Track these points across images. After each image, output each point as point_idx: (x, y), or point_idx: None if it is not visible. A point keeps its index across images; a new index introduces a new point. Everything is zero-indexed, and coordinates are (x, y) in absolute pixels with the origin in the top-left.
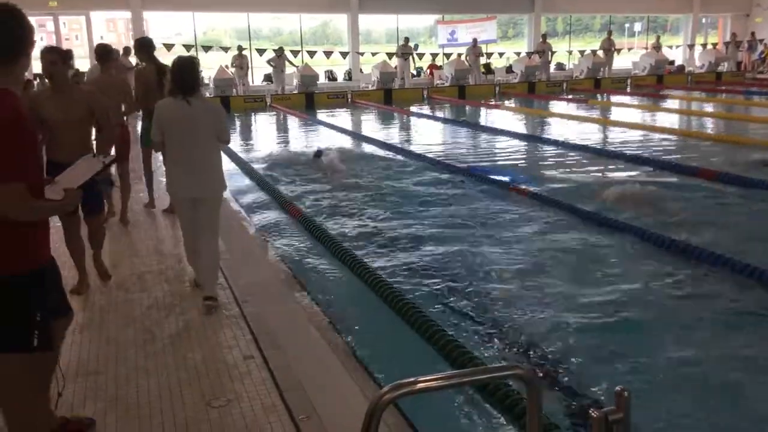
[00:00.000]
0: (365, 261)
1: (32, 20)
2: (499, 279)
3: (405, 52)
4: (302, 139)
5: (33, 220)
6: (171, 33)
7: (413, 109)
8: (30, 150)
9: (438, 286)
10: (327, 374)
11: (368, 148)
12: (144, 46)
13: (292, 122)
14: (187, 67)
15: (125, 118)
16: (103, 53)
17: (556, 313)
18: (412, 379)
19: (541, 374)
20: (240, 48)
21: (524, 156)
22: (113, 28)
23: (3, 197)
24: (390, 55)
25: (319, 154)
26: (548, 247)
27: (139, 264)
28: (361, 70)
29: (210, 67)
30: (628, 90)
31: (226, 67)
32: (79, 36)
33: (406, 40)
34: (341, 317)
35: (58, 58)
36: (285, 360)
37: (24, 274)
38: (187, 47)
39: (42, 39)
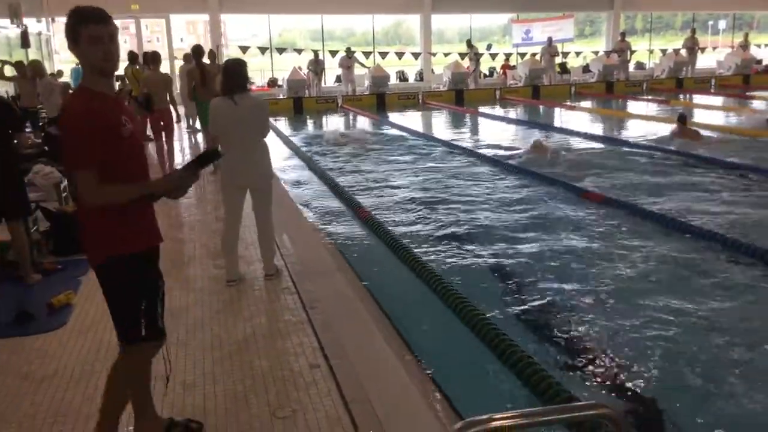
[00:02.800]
0: (442, 276)
1: (117, 23)
2: (580, 294)
3: (475, 53)
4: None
5: (111, 204)
6: (248, 34)
7: (485, 110)
8: (108, 140)
9: (516, 304)
10: (394, 388)
11: (438, 148)
12: (195, 52)
13: (362, 121)
14: (234, 69)
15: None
16: (154, 57)
17: (649, 336)
18: (486, 416)
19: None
20: (316, 53)
21: (599, 159)
22: (193, 31)
23: (78, 183)
24: (462, 55)
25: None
26: (634, 261)
27: (211, 266)
28: (432, 70)
29: (284, 68)
30: (713, 90)
31: (300, 68)
32: (160, 38)
33: (468, 42)
34: (411, 330)
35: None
36: (352, 370)
37: (133, 253)
38: (262, 49)
39: (126, 41)
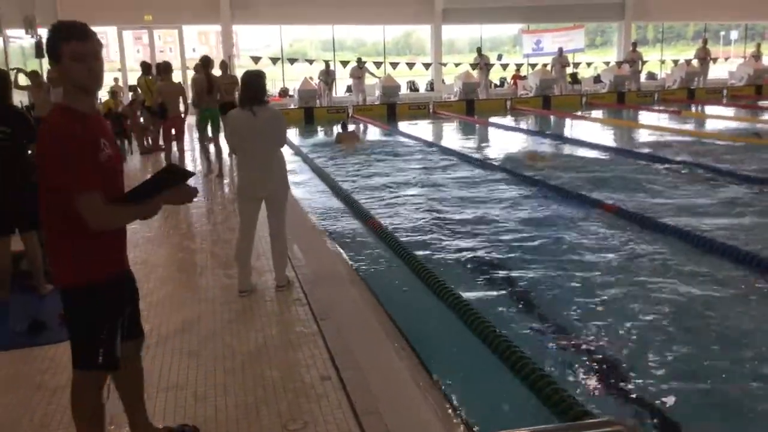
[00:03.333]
0: (453, 287)
1: (129, 33)
2: (592, 308)
3: (485, 62)
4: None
5: (112, 228)
6: (260, 45)
7: (495, 120)
8: (88, 162)
9: (530, 316)
10: (405, 401)
11: (449, 158)
12: (203, 62)
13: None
14: (253, 81)
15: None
16: (166, 67)
17: (667, 352)
18: None
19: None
20: (327, 63)
21: (611, 170)
22: (205, 41)
23: (81, 207)
24: (473, 66)
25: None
26: (647, 275)
27: (222, 275)
28: (443, 80)
29: (295, 78)
30: (725, 101)
31: (311, 78)
32: (173, 48)
33: (479, 50)
34: (423, 342)
35: None
36: (363, 382)
37: (100, 281)
38: (273, 60)
39: (139, 51)
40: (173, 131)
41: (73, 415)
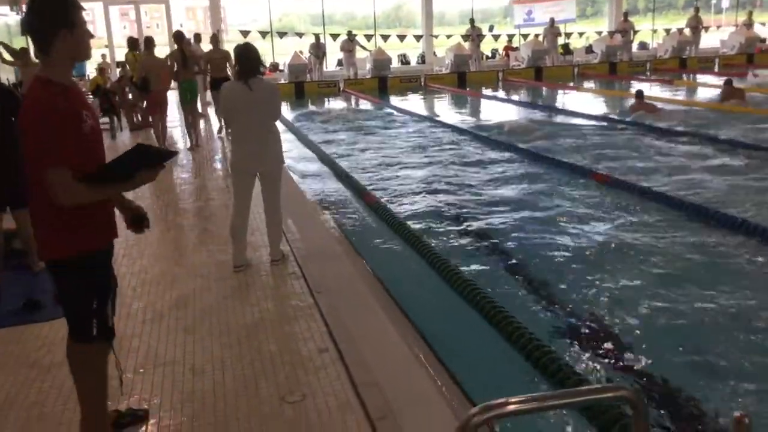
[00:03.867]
0: (450, 261)
1: (115, 9)
2: (590, 278)
3: (477, 34)
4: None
5: (84, 203)
6: (248, 19)
7: (487, 92)
8: (71, 136)
9: (525, 286)
10: (404, 372)
11: (441, 131)
12: (176, 37)
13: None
14: (246, 54)
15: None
16: (148, 41)
17: (661, 319)
18: (502, 400)
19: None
20: (317, 36)
21: (603, 140)
22: (192, 16)
23: (49, 182)
24: (465, 38)
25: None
26: (644, 243)
27: (216, 251)
28: (434, 53)
29: (285, 53)
30: (716, 70)
31: (301, 52)
32: (160, 24)
33: (471, 21)
34: (419, 314)
35: None
36: (360, 354)
37: (89, 251)
38: (263, 33)
39: (125, 27)
40: (158, 102)
41: (77, 388)
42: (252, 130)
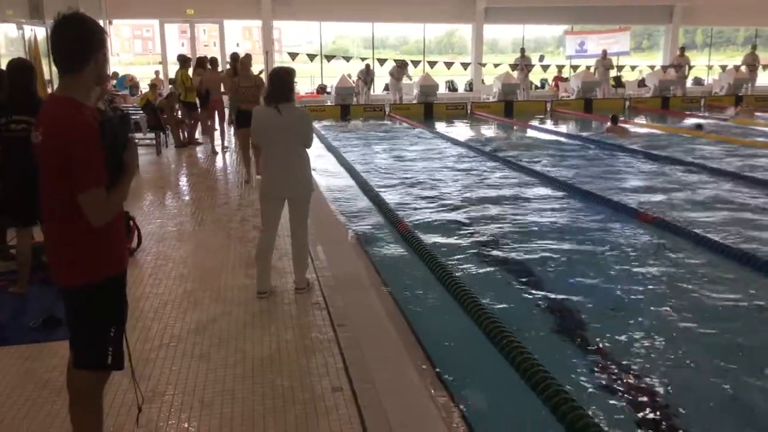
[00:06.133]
0: (478, 298)
1: (173, 27)
2: (625, 320)
3: (526, 63)
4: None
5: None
6: (302, 41)
7: (534, 122)
8: (102, 157)
9: (560, 333)
10: (418, 420)
11: (484, 160)
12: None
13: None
14: (279, 79)
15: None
16: (212, 61)
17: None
18: None
19: None
20: (367, 64)
21: (651, 177)
22: (249, 36)
23: (87, 204)
24: (513, 66)
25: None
26: (683, 285)
27: (242, 275)
28: (482, 80)
29: (335, 75)
30: None
31: (349, 76)
32: (216, 42)
33: (522, 51)
34: (443, 355)
35: None
36: (375, 397)
37: (112, 277)
38: (311, 56)
39: (183, 45)
40: (216, 110)
41: (76, 415)
42: (279, 156)
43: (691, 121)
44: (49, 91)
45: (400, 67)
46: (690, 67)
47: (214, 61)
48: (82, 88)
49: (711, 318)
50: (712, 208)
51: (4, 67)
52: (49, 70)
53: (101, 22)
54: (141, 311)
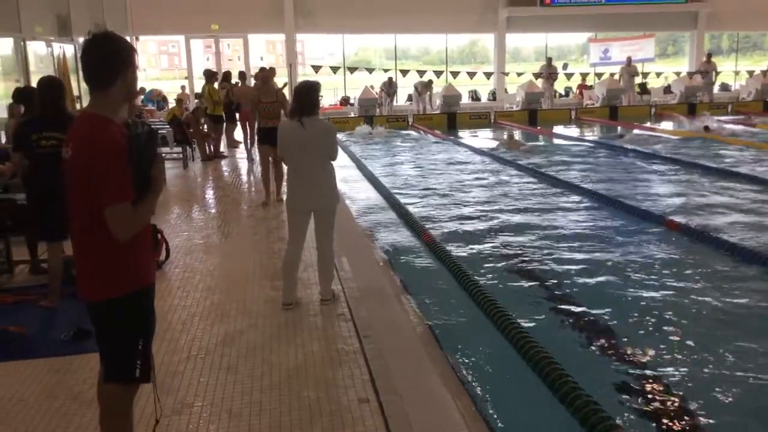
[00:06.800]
0: (507, 309)
1: (198, 42)
2: (657, 333)
3: (551, 72)
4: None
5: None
6: (324, 53)
7: (558, 130)
8: (129, 173)
9: (591, 347)
10: (444, 429)
11: (508, 169)
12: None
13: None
14: (303, 92)
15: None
16: (241, 75)
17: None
18: None
19: None
20: (390, 77)
21: (680, 184)
22: (272, 50)
23: (112, 218)
24: (536, 75)
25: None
26: (713, 297)
27: (268, 287)
28: (506, 89)
29: (358, 87)
30: None
31: (372, 87)
32: (241, 57)
33: (549, 60)
34: (468, 365)
35: None
36: (401, 408)
37: (140, 290)
38: (334, 69)
39: (208, 59)
40: (248, 121)
41: (106, 427)
42: (304, 169)
43: (697, 123)
44: (78, 106)
45: (426, 86)
46: (717, 73)
47: (243, 75)
48: (111, 105)
49: (748, 328)
50: (741, 213)
51: (35, 85)
52: (78, 86)
53: (128, 39)
54: (169, 323)
